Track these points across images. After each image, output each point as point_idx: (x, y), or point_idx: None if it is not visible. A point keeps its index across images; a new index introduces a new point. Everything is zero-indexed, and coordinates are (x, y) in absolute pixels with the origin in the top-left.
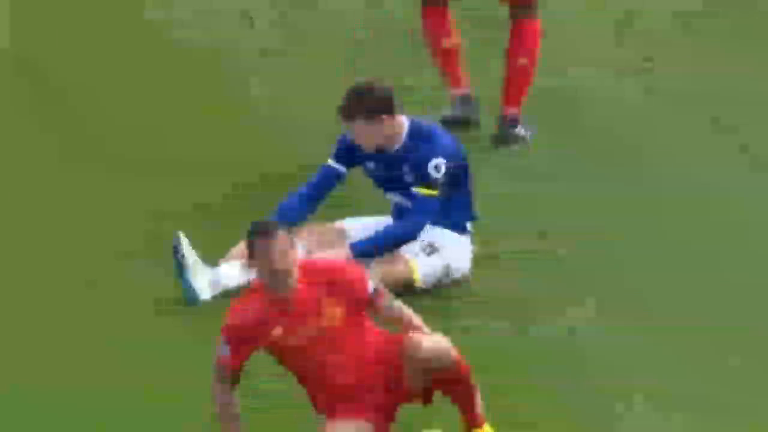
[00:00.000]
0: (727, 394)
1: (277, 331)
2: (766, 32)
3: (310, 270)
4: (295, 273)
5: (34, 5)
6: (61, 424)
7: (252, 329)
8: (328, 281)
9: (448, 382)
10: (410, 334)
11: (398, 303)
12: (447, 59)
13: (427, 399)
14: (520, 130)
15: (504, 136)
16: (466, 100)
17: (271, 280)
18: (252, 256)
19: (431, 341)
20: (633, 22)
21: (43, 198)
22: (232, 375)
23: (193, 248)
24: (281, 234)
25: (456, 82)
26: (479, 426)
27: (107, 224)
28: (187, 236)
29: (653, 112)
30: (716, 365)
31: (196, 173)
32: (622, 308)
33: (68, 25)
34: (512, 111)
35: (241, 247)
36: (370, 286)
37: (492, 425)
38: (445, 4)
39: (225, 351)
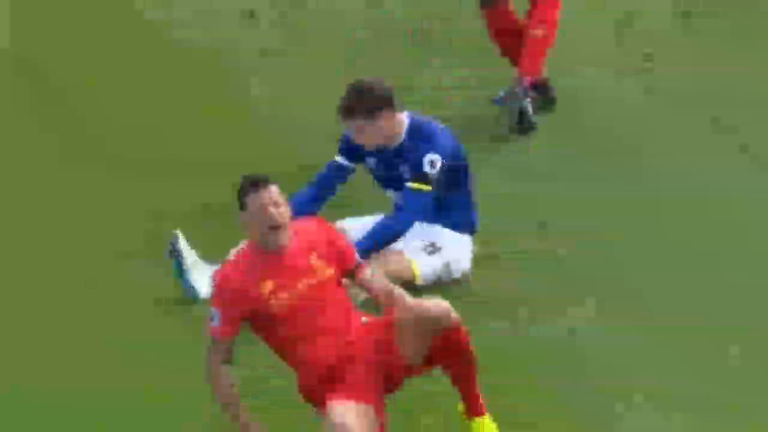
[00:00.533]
0: (727, 394)
1: (268, 286)
2: (766, 32)
3: (301, 229)
4: (289, 228)
5: (34, 5)
6: (61, 424)
7: (241, 289)
8: (319, 241)
9: (449, 348)
10: (407, 301)
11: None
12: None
13: (426, 367)
14: (523, 99)
15: (506, 97)
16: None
17: (264, 234)
18: (244, 209)
19: (432, 300)
20: (633, 22)
21: (43, 198)
22: (223, 346)
23: (192, 248)
24: (273, 186)
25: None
26: (481, 414)
27: (107, 224)
28: (187, 236)
29: (653, 112)
30: (716, 365)
31: (196, 173)
32: (622, 308)
33: (68, 25)
34: (523, 77)
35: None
36: (357, 256)
37: None
38: (505, 2)
39: (215, 320)
